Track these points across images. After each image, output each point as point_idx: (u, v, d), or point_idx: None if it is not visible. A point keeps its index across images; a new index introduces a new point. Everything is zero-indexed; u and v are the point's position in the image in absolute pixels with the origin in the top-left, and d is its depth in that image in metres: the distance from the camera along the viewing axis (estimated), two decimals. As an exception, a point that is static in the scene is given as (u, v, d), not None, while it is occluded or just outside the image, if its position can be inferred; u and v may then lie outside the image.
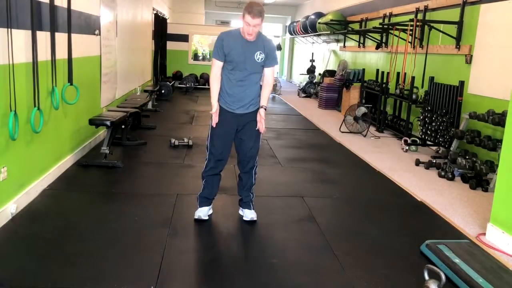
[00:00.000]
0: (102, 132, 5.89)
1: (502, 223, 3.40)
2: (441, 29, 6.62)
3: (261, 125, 3.42)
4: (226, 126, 3.42)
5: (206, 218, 3.55)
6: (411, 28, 6.98)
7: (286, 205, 4.04)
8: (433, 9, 7.09)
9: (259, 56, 3.30)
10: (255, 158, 3.56)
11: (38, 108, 3.66)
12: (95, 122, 4.97)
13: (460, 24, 6.26)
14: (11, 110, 3.22)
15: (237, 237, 3.46)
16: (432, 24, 6.80)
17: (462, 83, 5.79)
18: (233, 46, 3.28)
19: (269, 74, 3.45)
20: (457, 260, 2.87)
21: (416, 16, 7.29)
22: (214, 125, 3.39)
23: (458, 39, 6.27)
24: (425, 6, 7.22)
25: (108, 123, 4.90)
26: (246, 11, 3.15)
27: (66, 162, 4.65)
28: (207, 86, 13.30)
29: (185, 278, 2.77)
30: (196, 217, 3.53)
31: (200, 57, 15.81)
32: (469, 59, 6.03)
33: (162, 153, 5.68)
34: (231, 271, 2.85)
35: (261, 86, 3.47)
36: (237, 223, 3.60)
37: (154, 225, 3.43)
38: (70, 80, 4.44)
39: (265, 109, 3.43)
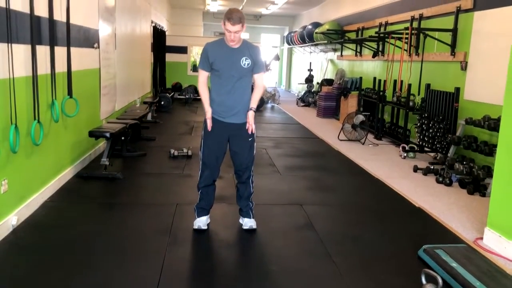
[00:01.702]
0: (102, 144, 5.94)
1: (499, 227, 3.43)
2: (436, 37, 6.70)
3: (250, 127, 3.41)
4: (217, 136, 3.45)
5: (206, 227, 3.58)
6: (407, 36, 7.06)
7: (285, 213, 4.07)
8: (428, 17, 7.18)
9: (245, 62, 3.35)
10: (251, 168, 3.60)
11: (38, 121, 3.71)
12: (94, 134, 5.02)
13: (454, 31, 6.33)
14: (11, 123, 3.27)
15: (237, 245, 3.48)
16: (427, 32, 6.88)
17: (458, 89, 5.84)
18: (218, 54, 3.35)
19: (258, 78, 3.50)
20: (454, 264, 2.90)
21: (411, 25, 7.38)
22: (210, 129, 3.41)
23: (453, 46, 6.34)
24: (420, 14, 7.31)
25: (107, 135, 4.95)
26: (226, 18, 3.22)
27: (66, 174, 4.69)
28: (206, 97, 13.34)
29: (185, 286, 2.79)
30: (195, 227, 3.56)
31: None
32: (464, 66, 6.10)
33: (162, 164, 5.72)
34: (231, 279, 2.88)
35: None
36: (237, 231, 3.63)
37: (154, 235, 3.46)
38: (69, 93, 4.50)
39: (254, 111, 3.44)
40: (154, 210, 4.02)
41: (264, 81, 3.56)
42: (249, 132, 3.44)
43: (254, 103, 3.47)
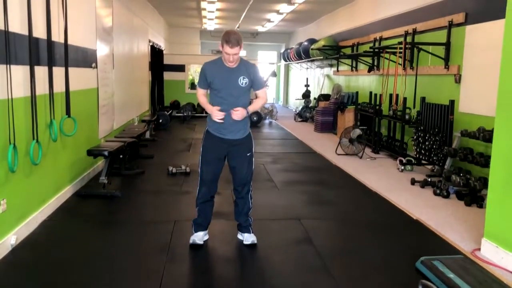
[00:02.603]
0: (101, 163, 5.97)
1: (496, 237, 3.45)
2: (430, 51, 6.79)
3: (234, 112, 3.34)
4: (215, 151, 3.49)
5: (201, 243, 3.58)
6: (401, 50, 7.15)
7: (283, 228, 4.09)
8: (421, 32, 7.28)
9: (242, 81, 3.41)
10: (250, 183, 3.63)
11: (37, 141, 3.75)
12: (93, 153, 5.05)
13: (447, 45, 6.43)
14: (10, 143, 3.31)
15: (235, 260, 3.49)
16: (420, 46, 6.98)
17: (452, 102, 5.90)
18: (216, 74, 3.41)
19: (260, 92, 3.57)
20: (451, 275, 2.91)
21: (405, 39, 7.48)
22: (221, 117, 3.35)
23: (446, 59, 6.42)
24: (413, 29, 7.42)
25: (106, 153, 4.98)
26: (224, 41, 3.27)
27: (65, 193, 4.71)
28: (204, 114, 13.45)
29: (184, 302, 2.80)
30: (191, 242, 3.57)
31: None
32: (458, 79, 6.17)
33: (160, 181, 5.74)
34: (229, 294, 2.88)
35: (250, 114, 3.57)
36: (235, 247, 3.63)
37: (152, 252, 3.46)
38: (68, 112, 4.54)
39: (247, 113, 3.41)
40: (152, 227, 4.03)
41: (266, 94, 3.63)
42: (235, 112, 3.34)
43: (251, 107, 3.48)
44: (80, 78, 5.22)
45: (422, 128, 6.41)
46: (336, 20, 12.45)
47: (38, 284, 2.93)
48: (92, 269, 3.16)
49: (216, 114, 3.36)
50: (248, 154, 3.55)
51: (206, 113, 3.55)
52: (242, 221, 3.66)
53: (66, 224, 4.10)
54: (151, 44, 11.28)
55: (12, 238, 3.44)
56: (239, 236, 3.72)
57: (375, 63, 9.01)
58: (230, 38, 3.26)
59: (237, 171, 3.56)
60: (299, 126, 12.32)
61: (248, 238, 3.63)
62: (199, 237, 3.59)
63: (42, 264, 3.23)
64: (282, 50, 19.35)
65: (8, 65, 3.28)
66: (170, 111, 12.32)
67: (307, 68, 15.64)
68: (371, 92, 8.65)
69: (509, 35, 3.37)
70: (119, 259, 3.34)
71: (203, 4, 11.91)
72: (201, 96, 3.56)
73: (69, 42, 4.61)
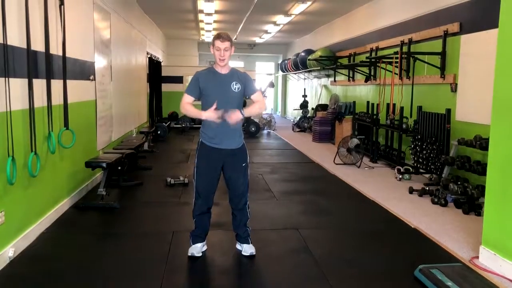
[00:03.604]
0: (99, 174, 5.97)
1: (493, 245, 3.46)
2: (426, 60, 6.85)
3: (232, 115, 3.27)
4: (210, 163, 3.47)
5: (200, 255, 3.58)
6: (397, 60, 7.21)
7: (281, 238, 4.09)
8: (417, 41, 7.35)
9: (235, 86, 3.42)
10: (247, 194, 3.63)
11: (35, 153, 3.76)
12: (91, 165, 5.06)
13: (443, 54, 6.49)
14: (8, 156, 3.32)
15: (234, 271, 3.48)
16: (416, 56, 7.04)
17: (449, 111, 5.94)
18: (209, 80, 3.42)
19: (256, 96, 3.54)
20: (449, 284, 2.91)
21: (401, 49, 7.54)
22: (219, 114, 3.26)
23: (442, 69, 6.48)
24: (409, 39, 7.49)
25: (104, 165, 4.99)
26: (215, 38, 3.37)
27: (63, 205, 4.71)
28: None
29: (182, 313, 2.79)
30: (189, 254, 3.56)
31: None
32: (454, 88, 6.22)
33: (159, 192, 5.74)
34: (228, 305, 2.88)
35: (244, 122, 3.55)
36: (234, 258, 3.63)
37: (151, 263, 3.46)
38: (66, 124, 4.56)
39: (242, 115, 3.32)
40: (151, 238, 4.03)
41: (262, 98, 3.55)
42: (231, 119, 3.28)
43: (246, 110, 3.40)
44: (78, 90, 5.25)
45: (419, 137, 6.44)
46: (332, 31, 12.55)
47: (36, 296, 2.92)
48: (90, 281, 3.15)
49: (213, 113, 3.26)
50: (243, 165, 3.55)
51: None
52: (241, 232, 3.66)
53: (64, 236, 4.09)
54: (149, 56, 11.35)
55: (10, 251, 3.43)
56: (238, 247, 3.71)
57: (372, 73, 9.08)
58: (220, 33, 3.37)
59: (233, 181, 3.55)
60: (297, 136, 12.35)
61: (247, 249, 3.63)
62: (197, 249, 3.58)
63: (40, 277, 3.22)
64: (280, 61, 19.47)
65: (6, 78, 3.30)
66: (168, 123, 12.35)
67: (305, 79, 15.72)
68: (368, 102, 8.70)
69: (503, 44, 3.41)
70: (117, 271, 3.33)
71: (201, 16, 12.00)
72: (187, 105, 3.42)
73: (67, 54, 4.64)
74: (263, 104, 3.55)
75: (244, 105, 3.57)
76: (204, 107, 3.42)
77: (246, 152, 3.60)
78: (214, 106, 3.30)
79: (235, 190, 3.57)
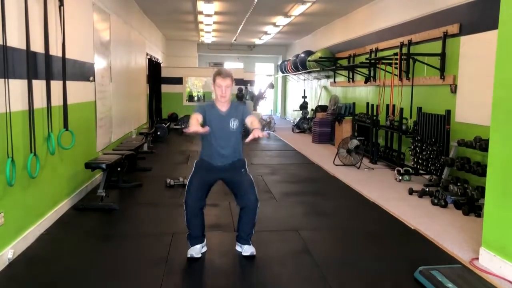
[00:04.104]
0: (99, 176, 5.96)
1: (493, 246, 3.45)
2: (425, 61, 6.85)
3: (257, 132, 3.29)
4: (204, 176, 3.57)
5: (199, 256, 3.57)
6: (396, 61, 7.21)
7: (281, 239, 4.08)
8: (417, 43, 7.35)
9: (233, 123, 3.56)
10: (254, 189, 3.63)
11: (35, 154, 3.76)
12: (91, 166, 5.06)
13: (443, 55, 6.49)
14: (8, 157, 3.32)
15: (234, 272, 3.48)
16: (416, 57, 7.04)
17: (448, 112, 5.94)
18: (212, 116, 3.54)
19: (249, 117, 3.59)
20: (449, 285, 2.91)
21: (401, 50, 7.54)
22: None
23: (442, 70, 6.48)
24: (408, 40, 7.49)
25: (103, 166, 4.99)
26: (216, 74, 3.49)
27: (63, 206, 4.71)
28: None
29: (182, 315, 2.78)
30: (188, 255, 3.56)
31: (195, 98, 16.11)
32: (453, 89, 6.22)
33: (158, 194, 5.74)
34: (227, 306, 2.87)
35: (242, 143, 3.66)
36: (234, 259, 3.62)
37: (150, 264, 3.45)
38: (65, 125, 4.55)
39: (259, 129, 3.34)
40: (150, 240, 4.02)
41: (253, 117, 3.63)
42: (258, 134, 3.30)
43: (255, 126, 3.43)
44: (78, 91, 5.25)
45: (419, 138, 6.44)
46: (332, 32, 12.55)
47: (35, 298, 2.92)
48: (90, 282, 3.15)
49: (197, 129, 3.33)
50: (242, 170, 3.64)
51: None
52: (246, 233, 3.65)
53: (63, 238, 4.09)
54: (148, 57, 11.34)
55: (10, 252, 3.43)
56: (238, 248, 3.71)
57: (372, 74, 9.08)
58: (221, 70, 3.52)
59: (237, 185, 3.60)
60: (297, 137, 12.35)
61: (247, 249, 3.63)
62: (196, 250, 3.58)
63: (39, 278, 3.21)
64: (279, 62, 19.48)
65: (6, 79, 3.30)
66: (168, 124, 12.34)
67: (304, 80, 15.72)
68: (368, 103, 8.70)
69: (502, 45, 3.41)
70: (117, 272, 3.33)
71: (201, 18, 12.00)
72: (194, 119, 3.44)
73: (67, 56, 4.64)
74: (255, 119, 3.63)
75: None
76: (204, 136, 3.55)
77: (244, 161, 3.69)
78: (206, 130, 3.39)
79: (241, 189, 3.59)
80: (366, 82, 9.17)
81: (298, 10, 10.49)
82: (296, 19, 11.82)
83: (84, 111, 5.54)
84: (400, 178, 6.57)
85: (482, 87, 5.54)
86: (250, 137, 3.32)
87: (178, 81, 14.47)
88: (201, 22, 12.82)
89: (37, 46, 3.97)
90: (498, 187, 3.43)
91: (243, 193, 3.59)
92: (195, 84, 16.88)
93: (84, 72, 5.52)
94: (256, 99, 14.78)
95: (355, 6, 10.11)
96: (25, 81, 3.68)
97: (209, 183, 3.61)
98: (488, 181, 3.55)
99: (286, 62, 16.46)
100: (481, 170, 4.97)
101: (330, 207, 5.20)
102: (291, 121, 16.66)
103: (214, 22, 12.83)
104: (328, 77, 12.87)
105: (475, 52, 5.78)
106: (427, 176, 6.47)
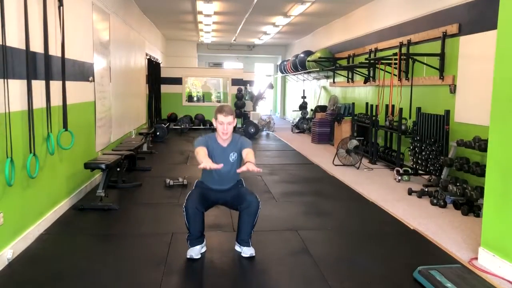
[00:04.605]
0: (98, 176, 5.96)
1: (492, 246, 3.46)
2: (425, 61, 6.85)
3: (250, 166, 3.35)
4: (205, 191, 3.68)
5: (198, 256, 3.57)
6: (396, 61, 7.21)
7: (281, 239, 4.08)
8: (416, 43, 7.35)
9: (232, 157, 3.67)
10: (253, 194, 3.68)
11: (34, 154, 3.76)
12: (90, 166, 5.05)
13: (442, 56, 6.49)
14: (7, 157, 3.32)
15: (233, 273, 3.48)
16: (415, 57, 7.04)
17: (448, 112, 5.95)
18: (214, 149, 3.62)
19: (246, 149, 3.65)
20: (448, 285, 2.91)
21: (400, 50, 7.54)
22: (208, 164, 3.33)
23: (441, 70, 6.48)
24: (408, 40, 7.49)
25: (103, 166, 4.99)
26: (218, 112, 3.54)
27: (62, 206, 4.71)
28: (201, 127, 13.50)
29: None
30: (188, 256, 3.56)
31: (195, 99, 16.11)
32: (453, 89, 6.22)
33: (157, 194, 5.74)
34: (227, 306, 2.87)
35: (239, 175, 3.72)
36: (233, 259, 3.62)
37: (149, 265, 3.45)
38: (65, 125, 4.55)
39: (253, 163, 3.39)
40: (150, 240, 4.02)
41: (249, 149, 3.65)
42: (250, 168, 3.36)
43: (252, 160, 3.48)
44: (77, 91, 5.24)
45: (418, 138, 6.45)
46: (331, 32, 12.56)
47: (34, 298, 2.91)
48: (89, 282, 3.15)
49: (208, 164, 3.31)
50: (239, 186, 3.75)
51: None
52: (246, 234, 3.65)
53: (63, 238, 4.09)
54: (148, 57, 11.34)
55: (9, 252, 3.43)
56: (237, 248, 3.71)
57: (371, 74, 9.08)
58: (223, 108, 3.57)
59: (238, 195, 3.65)
60: (296, 138, 12.36)
61: (246, 251, 3.63)
62: (195, 251, 3.58)
63: (39, 278, 3.21)
64: (279, 62, 19.48)
65: (5, 79, 3.30)
66: (167, 124, 12.34)
67: (304, 80, 15.73)
68: (367, 103, 8.71)
69: (501, 45, 3.41)
70: (116, 272, 3.33)
71: (200, 18, 12.00)
72: (203, 153, 3.47)
73: (66, 56, 4.64)
74: (251, 152, 3.65)
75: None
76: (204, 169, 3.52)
77: (241, 181, 3.80)
78: (220, 167, 3.36)
79: (241, 196, 3.64)
80: (365, 82, 9.17)
81: (297, 10, 10.49)
82: (295, 19, 11.82)
83: (83, 111, 5.54)
84: (400, 178, 6.57)
85: (481, 87, 5.54)
86: (243, 168, 3.38)
87: (178, 81, 14.46)
88: (201, 22, 12.82)
89: (37, 46, 3.97)
90: (497, 187, 3.44)
91: (244, 197, 3.62)
92: (194, 84, 16.89)
93: (84, 72, 5.52)
94: (255, 99, 14.79)
95: (355, 6, 10.12)
96: (25, 81, 3.68)
97: (209, 199, 3.68)
98: (487, 181, 3.55)
99: (285, 62, 16.46)
100: (480, 170, 4.97)
101: (329, 207, 5.20)
102: (291, 121, 16.67)
103: (214, 22, 12.83)
104: (327, 77, 12.88)
105: (475, 52, 5.79)
106: (426, 176, 6.48)
